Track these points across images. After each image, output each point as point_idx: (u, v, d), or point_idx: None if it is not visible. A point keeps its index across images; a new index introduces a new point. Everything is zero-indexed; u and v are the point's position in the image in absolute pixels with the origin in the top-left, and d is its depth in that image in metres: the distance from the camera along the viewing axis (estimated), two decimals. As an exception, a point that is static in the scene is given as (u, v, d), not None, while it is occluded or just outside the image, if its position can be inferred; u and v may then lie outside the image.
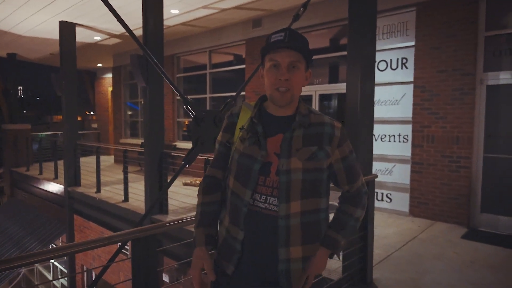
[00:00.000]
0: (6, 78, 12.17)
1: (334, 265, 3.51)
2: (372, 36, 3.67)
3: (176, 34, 9.08)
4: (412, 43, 5.59)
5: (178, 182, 7.48)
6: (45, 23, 8.15)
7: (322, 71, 7.03)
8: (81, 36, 8.83)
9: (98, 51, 11.33)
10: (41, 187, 9.59)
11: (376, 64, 4.91)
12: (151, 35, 5.36)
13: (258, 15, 7.53)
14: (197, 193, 1.66)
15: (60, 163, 8.80)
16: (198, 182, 7.72)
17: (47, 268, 11.77)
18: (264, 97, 1.57)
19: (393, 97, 5.89)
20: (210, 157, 1.58)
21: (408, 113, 5.68)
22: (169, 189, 5.27)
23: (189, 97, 3.66)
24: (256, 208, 1.45)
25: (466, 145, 5.11)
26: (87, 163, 8.94)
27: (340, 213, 1.57)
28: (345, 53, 4.56)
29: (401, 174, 5.81)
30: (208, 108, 9.23)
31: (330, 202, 1.57)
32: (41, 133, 14.91)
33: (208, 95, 9.28)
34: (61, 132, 10.30)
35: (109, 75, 13.99)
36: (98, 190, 7.33)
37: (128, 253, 5.83)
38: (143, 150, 6.20)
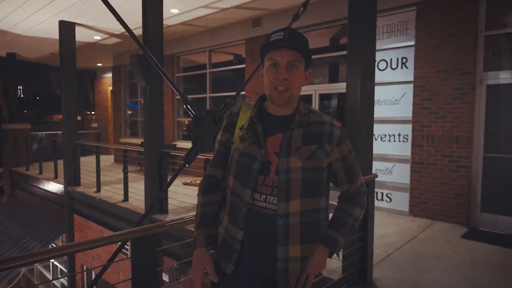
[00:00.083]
0: (6, 77, 12.16)
1: (334, 265, 3.51)
2: (372, 36, 3.66)
3: (176, 34, 9.08)
4: (412, 43, 5.59)
5: (178, 181, 7.48)
6: (45, 23, 8.14)
7: (322, 70, 7.03)
8: (81, 35, 8.83)
9: (98, 51, 11.32)
10: (41, 186, 9.59)
11: (376, 63, 4.91)
12: (151, 35, 5.35)
13: (257, 14, 7.53)
14: (197, 192, 1.66)
15: (60, 163, 8.80)
16: (198, 181, 7.72)
17: (47, 267, 11.78)
18: (263, 96, 1.57)
19: (393, 96, 5.89)
20: (210, 156, 1.57)
21: (408, 113, 5.68)
22: (169, 189, 5.27)
23: (189, 96, 3.65)
24: (256, 207, 1.45)
25: (466, 145, 5.11)
26: (87, 162, 8.94)
27: (339, 212, 1.56)
28: (345, 52, 4.56)
29: (401, 174, 5.81)
30: (208, 107, 9.23)
31: (330, 202, 1.57)
32: (41, 132, 14.90)
33: (208, 95, 9.27)
34: (61, 132, 10.31)
35: (109, 75, 13.99)
36: (98, 190, 7.33)
37: (128, 252, 5.83)
38: (143, 150, 6.20)
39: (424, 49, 5.43)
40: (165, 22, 5.97)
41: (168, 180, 4.81)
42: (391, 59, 5.89)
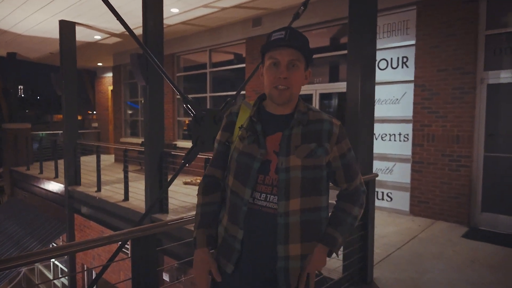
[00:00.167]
0: (6, 77, 12.16)
1: (334, 265, 3.51)
2: (372, 36, 3.66)
3: (176, 33, 9.08)
4: (413, 42, 5.59)
5: (178, 181, 7.49)
6: (45, 22, 8.14)
7: (322, 70, 7.02)
8: (81, 35, 8.83)
9: (98, 50, 11.32)
10: (41, 186, 9.59)
11: (376, 63, 4.91)
12: (151, 34, 5.35)
13: (258, 14, 7.52)
14: (197, 192, 1.66)
15: (61, 162, 8.80)
16: (198, 181, 7.72)
17: (47, 267, 11.78)
18: (263, 96, 1.57)
19: (394, 96, 5.89)
20: (211, 156, 1.58)
21: (408, 112, 5.67)
22: (169, 188, 5.27)
23: (189, 96, 3.65)
24: (256, 206, 1.45)
25: (466, 144, 5.10)
26: (87, 162, 8.95)
27: (338, 211, 1.56)
28: (345, 52, 4.56)
29: (402, 173, 5.81)
30: (208, 107, 9.23)
31: (329, 201, 1.57)
32: (41, 132, 14.90)
33: (208, 94, 9.27)
34: (61, 131, 10.30)
35: (109, 74, 13.99)
36: (99, 189, 7.34)
37: (129, 252, 5.84)
38: (143, 149, 6.20)
39: (425, 48, 5.43)
40: (165, 22, 5.97)
41: (169, 179, 4.81)
42: (391, 59, 5.89)
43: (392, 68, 5.88)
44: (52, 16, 7.70)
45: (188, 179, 8.07)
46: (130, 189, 6.62)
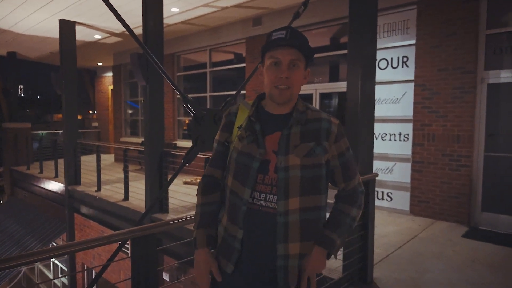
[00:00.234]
0: (6, 77, 12.16)
1: (334, 264, 3.51)
2: (372, 36, 3.65)
3: (176, 33, 9.07)
4: (413, 42, 5.58)
5: (178, 181, 7.49)
6: (45, 22, 8.14)
7: (322, 69, 7.02)
8: (81, 34, 8.82)
9: (98, 50, 11.32)
10: (42, 186, 9.59)
11: (376, 62, 4.90)
12: (151, 34, 5.34)
13: (258, 13, 7.51)
14: (196, 192, 1.65)
15: (61, 162, 8.80)
16: (198, 180, 7.71)
17: (47, 266, 11.79)
18: (262, 95, 1.57)
19: (394, 95, 5.88)
20: (210, 155, 1.57)
21: (408, 112, 5.67)
22: (169, 188, 5.27)
23: (189, 95, 3.65)
24: (256, 206, 1.45)
25: (466, 144, 5.10)
26: (88, 161, 8.95)
27: (336, 212, 1.55)
28: (345, 51, 4.55)
29: (402, 173, 5.81)
30: (208, 107, 9.22)
31: (328, 200, 1.56)
32: (41, 131, 14.91)
33: (208, 94, 9.27)
34: (61, 131, 10.30)
35: (109, 74, 13.99)
36: (99, 189, 7.33)
37: (129, 251, 5.84)
38: (143, 149, 6.20)
39: (425, 48, 5.42)
40: (165, 21, 5.97)
41: (169, 179, 4.81)
42: (391, 58, 5.88)
43: (392, 67, 5.88)
44: (52, 15, 7.70)
45: (188, 178, 8.07)
46: (130, 188, 6.62)
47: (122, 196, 6.64)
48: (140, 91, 11.22)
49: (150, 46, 5.08)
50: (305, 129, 1.47)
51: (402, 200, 5.80)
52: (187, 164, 3.64)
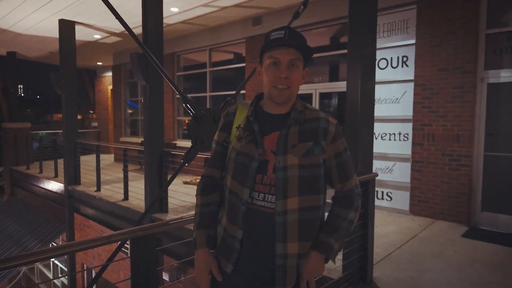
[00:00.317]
0: (6, 76, 12.16)
1: (334, 264, 3.50)
2: (372, 36, 3.65)
3: (176, 32, 9.07)
4: (413, 41, 5.58)
5: (178, 180, 7.48)
6: (45, 21, 8.13)
7: (322, 69, 7.01)
8: (81, 34, 8.82)
9: (98, 50, 11.31)
10: (41, 185, 9.59)
11: (376, 62, 4.90)
12: (151, 33, 5.34)
13: (258, 13, 7.51)
14: (195, 193, 1.65)
15: (60, 162, 8.79)
16: (198, 180, 7.70)
17: (47, 266, 11.79)
18: (260, 95, 1.58)
19: (394, 95, 5.88)
20: (210, 155, 1.58)
21: (408, 112, 5.67)
22: (169, 188, 5.26)
23: (189, 95, 3.65)
24: (255, 206, 1.45)
25: (466, 143, 5.10)
26: (87, 161, 8.94)
27: (333, 216, 1.54)
28: (345, 51, 4.55)
29: (402, 173, 5.80)
30: (208, 106, 9.22)
31: (327, 200, 1.56)
32: (41, 131, 14.90)
33: (208, 94, 9.26)
34: (61, 131, 10.29)
35: (109, 74, 13.98)
36: (98, 189, 7.33)
37: (128, 251, 5.83)
38: (143, 149, 6.19)
39: (425, 47, 5.42)
40: (165, 21, 5.96)
41: (168, 179, 4.80)
42: (391, 58, 5.88)
43: (392, 67, 5.88)
44: (51, 15, 7.69)
45: (188, 178, 8.06)
46: (130, 188, 6.61)
47: (122, 196, 6.64)
48: (140, 90, 11.21)
49: (149, 46, 5.07)
50: (303, 128, 1.47)
51: (402, 199, 5.80)
52: (186, 164, 3.64)
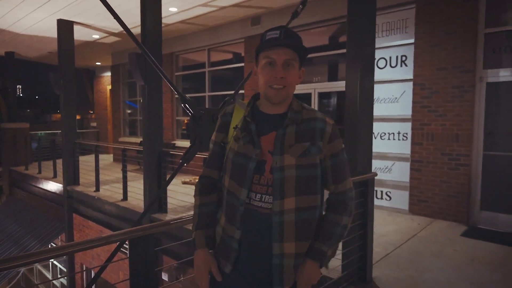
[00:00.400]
0: (5, 77, 12.17)
1: (334, 264, 3.50)
2: (371, 35, 3.65)
3: (175, 32, 9.06)
4: (412, 41, 5.58)
5: (177, 181, 7.47)
6: (43, 21, 8.12)
7: (321, 69, 7.01)
8: (79, 34, 8.80)
9: (97, 50, 11.30)
10: (40, 186, 9.57)
11: (375, 61, 4.90)
12: (150, 33, 5.33)
13: (256, 13, 7.50)
14: (194, 193, 1.65)
15: (59, 162, 8.78)
16: (197, 180, 7.69)
17: (46, 267, 11.77)
18: (257, 95, 1.57)
19: (393, 94, 5.88)
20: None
21: (407, 111, 5.67)
22: (168, 188, 5.25)
23: (188, 95, 3.65)
24: (253, 206, 1.45)
25: (465, 143, 5.10)
26: (86, 162, 8.93)
27: (327, 223, 1.53)
28: (344, 51, 4.55)
29: (401, 172, 5.80)
30: (207, 106, 9.21)
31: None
32: (40, 132, 14.89)
33: (207, 94, 9.26)
34: (60, 131, 10.28)
35: (108, 74, 13.96)
36: (97, 189, 7.32)
37: (128, 251, 5.82)
38: (142, 149, 6.18)
39: (424, 47, 5.42)
40: (163, 21, 5.95)
41: (167, 179, 4.80)
42: (390, 57, 5.88)
43: (391, 67, 5.87)
44: (50, 15, 7.68)
45: (187, 178, 8.06)
46: (129, 188, 6.60)
47: (121, 196, 6.63)
48: (139, 90, 11.19)
49: (148, 46, 5.06)
50: (300, 129, 1.47)
51: (401, 199, 5.80)
52: (185, 164, 3.63)
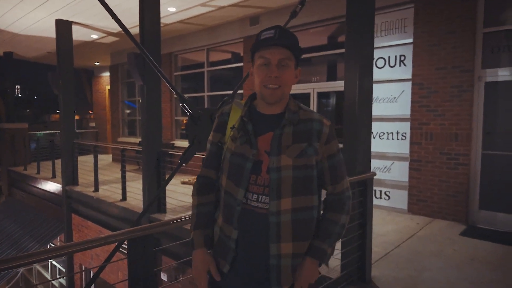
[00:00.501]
0: (3, 77, 12.14)
1: (333, 264, 3.50)
2: (370, 35, 3.65)
3: (173, 32, 9.05)
4: (410, 40, 5.58)
5: (176, 181, 7.47)
6: (42, 21, 8.11)
7: (320, 69, 7.01)
8: (78, 34, 8.79)
9: (95, 50, 11.28)
10: (39, 186, 9.56)
11: (374, 61, 4.90)
12: (148, 33, 5.33)
13: (255, 12, 7.50)
14: (192, 193, 1.65)
15: (58, 162, 8.77)
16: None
17: (45, 267, 11.76)
18: (254, 95, 1.57)
19: (391, 94, 5.88)
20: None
21: (406, 111, 5.67)
22: (167, 188, 5.25)
23: (186, 95, 3.64)
24: (249, 207, 1.45)
25: (464, 142, 5.10)
26: (85, 162, 8.93)
27: (325, 222, 1.53)
28: (343, 50, 4.55)
29: (400, 172, 5.81)
30: (206, 106, 9.21)
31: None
32: (39, 132, 14.87)
33: (206, 94, 9.25)
34: (59, 131, 10.27)
35: (107, 74, 13.95)
36: (96, 189, 7.31)
37: (127, 252, 5.81)
38: (141, 149, 6.18)
39: (423, 46, 5.42)
40: (162, 21, 5.95)
41: (166, 179, 4.79)
42: (389, 57, 5.88)
43: (390, 66, 5.88)
44: (49, 15, 7.67)
45: (186, 178, 8.05)
46: (128, 188, 6.60)
47: (120, 196, 6.62)
48: (138, 90, 11.19)
49: (147, 46, 5.06)
50: (297, 129, 1.47)
51: (400, 198, 5.80)
52: (184, 164, 3.63)
